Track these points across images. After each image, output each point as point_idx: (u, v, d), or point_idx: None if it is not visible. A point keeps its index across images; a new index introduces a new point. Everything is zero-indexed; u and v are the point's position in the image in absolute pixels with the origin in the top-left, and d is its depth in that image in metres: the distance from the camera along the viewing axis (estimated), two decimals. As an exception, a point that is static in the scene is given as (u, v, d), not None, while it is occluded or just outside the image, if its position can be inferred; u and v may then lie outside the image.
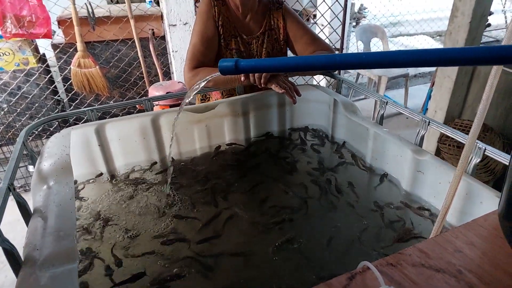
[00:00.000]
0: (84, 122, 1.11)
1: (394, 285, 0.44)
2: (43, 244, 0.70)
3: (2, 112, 2.71)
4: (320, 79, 3.26)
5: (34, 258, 0.67)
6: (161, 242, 0.90)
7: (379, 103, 1.08)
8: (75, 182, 1.08)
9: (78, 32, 2.30)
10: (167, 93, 2.22)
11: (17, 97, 2.72)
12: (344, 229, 0.93)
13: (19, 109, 2.72)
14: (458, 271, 0.46)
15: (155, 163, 1.20)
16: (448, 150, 2.03)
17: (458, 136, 0.82)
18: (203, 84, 0.85)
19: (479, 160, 0.74)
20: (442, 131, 0.87)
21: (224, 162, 1.23)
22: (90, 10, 2.45)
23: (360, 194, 1.05)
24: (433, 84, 3.19)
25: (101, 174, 1.15)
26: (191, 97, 0.86)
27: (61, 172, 0.87)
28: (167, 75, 2.98)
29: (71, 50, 2.62)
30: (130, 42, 2.74)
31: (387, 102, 1.05)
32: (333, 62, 0.54)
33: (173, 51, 2.61)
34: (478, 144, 0.74)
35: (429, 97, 3.29)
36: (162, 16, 2.73)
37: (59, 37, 2.74)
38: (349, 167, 1.17)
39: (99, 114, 1.12)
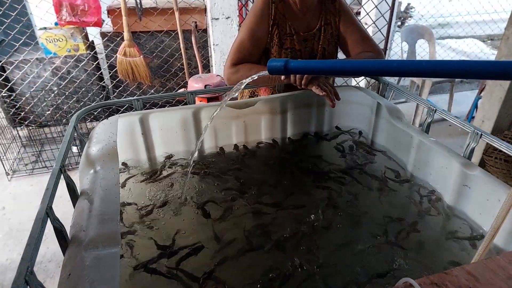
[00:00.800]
0: (125, 110, 1.15)
1: (440, 306, 0.42)
2: (89, 226, 0.73)
3: (53, 95, 2.89)
4: (360, 80, 3.17)
5: (80, 239, 0.71)
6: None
7: (426, 110, 1.03)
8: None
9: (126, 22, 2.39)
10: (205, 85, 2.26)
11: (66, 81, 2.90)
12: (377, 248, 0.87)
13: (67, 92, 2.90)
14: (511, 300, 0.43)
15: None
16: (494, 163, 1.91)
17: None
18: (248, 80, 0.85)
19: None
20: (496, 145, 0.81)
21: (258, 161, 1.23)
22: (138, 1, 2.54)
23: (396, 208, 1.00)
24: (481, 92, 3.00)
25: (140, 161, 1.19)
26: (235, 94, 0.87)
27: (108, 158, 0.91)
28: (207, 67, 3.03)
29: (118, 39, 2.73)
30: (173, 34, 2.81)
31: (435, 110, 1.00)
32: (389, 69, 0.52)
33: (214, 45, 2.65)
34: (538, 164, 0.68)
35: (475, 105, 3.09)
36: (205, 10, 2.77)
37: (108, 26, 2.87)
38: (387, 176, 1.13)
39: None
